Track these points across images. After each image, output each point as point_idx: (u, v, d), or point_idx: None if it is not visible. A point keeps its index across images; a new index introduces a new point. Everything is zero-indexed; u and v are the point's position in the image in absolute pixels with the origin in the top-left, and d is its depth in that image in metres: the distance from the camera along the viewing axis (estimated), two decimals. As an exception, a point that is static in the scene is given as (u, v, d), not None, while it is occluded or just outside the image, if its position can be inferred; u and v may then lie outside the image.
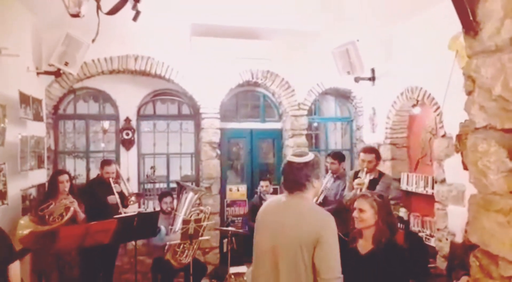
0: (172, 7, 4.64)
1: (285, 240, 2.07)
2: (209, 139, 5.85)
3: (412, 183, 5.21)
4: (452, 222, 4.20)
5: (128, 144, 5.98)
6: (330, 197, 4.64)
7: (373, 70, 5.67)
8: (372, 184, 4.15)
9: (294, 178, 2.19)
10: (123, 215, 4.27)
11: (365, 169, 4.23)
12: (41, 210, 4.00)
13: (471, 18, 1.12)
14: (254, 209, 5.76)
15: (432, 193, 4.64)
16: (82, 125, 6.06)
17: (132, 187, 5.79)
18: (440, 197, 4.39)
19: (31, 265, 4.38)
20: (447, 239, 4.27)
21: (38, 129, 4.73)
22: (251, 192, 6.22)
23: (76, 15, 2.70)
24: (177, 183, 5.20)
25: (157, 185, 6.26)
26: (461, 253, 3.29)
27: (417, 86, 4.74)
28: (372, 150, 4.38)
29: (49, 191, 4.31)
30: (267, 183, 5.71)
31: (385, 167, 5.44)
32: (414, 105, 5.27)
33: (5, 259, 2.90)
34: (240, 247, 5.24)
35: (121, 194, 4.75)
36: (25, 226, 3.76)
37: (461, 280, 3.02)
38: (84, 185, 5.11)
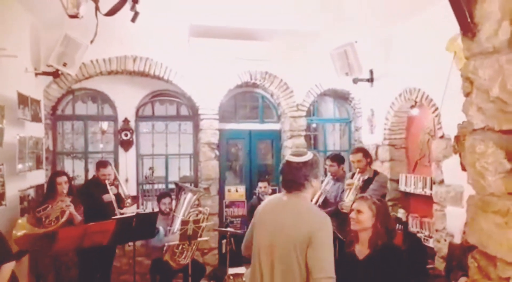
0: (171, 8, 4.64)
1: (281, 239, 2.08)
2: (207, 140, 5.85)
3: (410, 184, 5.21)
4: (451, 223, 4.21)
5: (126, 144, 5.97)
6: (331, 199, 4.64)
7: (371, 72, 5.68)
8: (367, 184, 4.17)
9: (293, 178, 2.19)
10: (121, 215, 4.26)
11: (357, 170, 4.27)
12: (38, 212, 3.99)
13: (468, 19, 1.13)
14: (253, 210, 5.72)
15: (431, 194, 4.64)
16: (81, 126, 6.05)
17: (130, 187, 5.79)
18: (438, 198, 4.39)
19: (29, 267, 4.37)
20: (445, 240, 4.28)
21: (37, 130, 4.72)
22: (249, 192, 6.21)
23: (74, 16, 2.70)
24: (176, 183, 5.20)
25: (155, 186, 6.25)
26: (460, 254, 3.29)
27: (415, 88, 4.75)
28: (358, 150, 4.45)
29: (47, 193, 4.30)
30: (265, 183, 5.70)
31: (383, 167, 5.45)
32: (412, 107, 5.28)
33: (1, 258, 2.87)
34: (239, 248, 5.23)
35: (117, 196, 4.74)
36: (21, 227, 3.75)
37: (460, 281, 3.03)
38: (80, 186, 5.09)
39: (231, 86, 5.91)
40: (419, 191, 5.01)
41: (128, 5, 3.02)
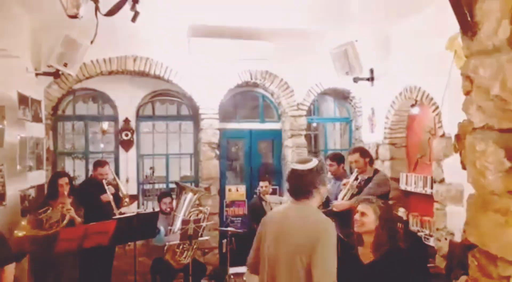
0: (171, 8, 4.63)
1: (286, 247, 2.08)
2: (208, 139, 5.85)
3: (411, 182, 5.21)
4: (451, 221, 4.21)
5: (127, 144, 5.97)
6: (332, 198, 4.63)
7: (371, 71, 5.68)
8: (367, 184, 4.14)
9: (299, 186, 2.18)
10: (122, 215, 4.26)
11: (356, 170, 4.25)
12: (39, 213, 3.97)
13: (468, 18, 1.13)
14: (254, 209, 5.77)
15: (431, 193, 4.64)
16: (81, 126, 6.06)
17: (131, 187, 5.80)
18: (439, 197, 4.39)
19: (28, 268, 4.37)
20: (446, 239, 4.28)
21: (37, 130, 4.72)
22: (250, 192, 6.22)
23: (74, 17, 2.70)
24: (176, 183, 5.21)
25: (156, 186, 6.26)
26: (460, 253, 3.29)
27: (415, 86, 4.74)
28: (355, 150, 4.43)
29: (48, 193, 4.30)
30: (266, 183, 5.69)
31: (384, 166, 5.44)
32: (413, 105, 5.28)
33: (1, 260, 2.88)
34: (240, 248, 5.23)
35: (115, 195, 4.74)
36: (22, 228, 3.76)
37: (460, 280, 3.03)
38: (77, 186, 5.08)
39: (232, 86, 5.91)
40: (419, 189, 5.02)
41: (128, 5, 3.01)
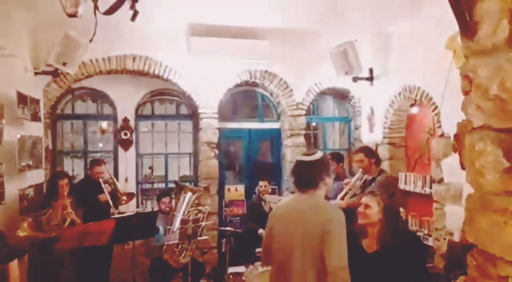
0: (170, 7, 4.63)
1: (298, 237, 2.14)
2: (207, 139, 5.85)
3: (410, 182, 5.21)
4: (450, 221, 4.21)
5: (126, 144, 5.97)
6: (331, 197, 4.63)
7: (371, 70, 5.68)
8: (371, 184, 4.13)
9: (306, 177, 2.24)
10: (120, 215, 4.26)
11: (360, 170, 4.23)
12: (39, 216, 3.96)
13: (467, 18, 1.13)
14: (253, 209, 5.77)
15: (430, 193, 4.64)
16: (80, 125, 6.06)
17: (130, 187, 5.79)
18: (438, 197, 4.39)
19: (27, 265, 4.37)
20: (445, 239, 4.28)
21: (36, 129, 4.72)
22: (249, 191, 6.22)
23: (73, 15, 2.70)
24: (176, 183, 5.21)
25: (155, 185, 6.26)
26: (459, 253, 3.30)
27: (415, 86, 4.74)
28: (360, 150, 4.40)
29: (49, 194, 4.30)
30: (266, 182, 5.70)
31: (383, 166, 5.44)
32: (412, 105, 5.28)
33: (4, 257, 2.91)
34: (239, 247, 5.23)
35: (111, 194, 4.74)
36: (24, 229, 3.76)
37: (459, 280, 3.03)
38: (74, 185, 5.07)
39: (231, 85, 5.91)
40: (418, 189, 5.02)
41: (127, 4, 3.01)
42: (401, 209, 5.24)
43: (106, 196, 4.61)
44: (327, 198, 4.63)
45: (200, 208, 4.65)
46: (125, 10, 3.02)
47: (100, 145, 6.59)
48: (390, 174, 4.52)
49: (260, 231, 4.81)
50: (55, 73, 4.90)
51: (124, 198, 4.93)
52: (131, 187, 5.84)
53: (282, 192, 6.33)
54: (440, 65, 4.01)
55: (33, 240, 3.81)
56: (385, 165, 5.47)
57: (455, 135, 3.97)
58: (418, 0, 4.32)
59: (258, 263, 4.22)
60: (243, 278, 4.31)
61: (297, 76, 6.04)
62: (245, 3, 4.63)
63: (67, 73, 4.94)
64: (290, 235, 2.18)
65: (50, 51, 4.64)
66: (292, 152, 6.09)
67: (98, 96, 6.03)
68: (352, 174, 6.33)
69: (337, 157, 4.85)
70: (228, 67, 5.75)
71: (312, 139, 7.01)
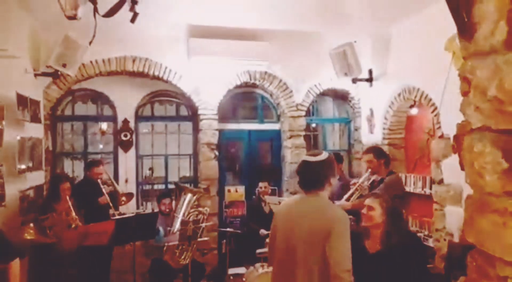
0: (170, 8, 4.64)
1: (303, 238, 2.13)
2: (207, 140, 5.86)
3: (410, 183, 5.21)
4: (450, 222, 4.21)
5: (126, 145, 5.98)
6: (335, 198, 4.61)
7: (370, 71, 5.68)
8: (379, 185, 4.06)
9: (312, 177, 2.23)
10: (121, 216, 4.27)
11: (369, 170, 4.17)
12: (41, 220, 3.96)
13: (466, 20, 1.13)
14: (253, 210, 5.78)
15: (430, 194, 4.65)
16: (80, 126, 6.06)
17: (130, 188, 5.79)
18: (438, 198, 4.40)
19: (28, 267, 4.37)
20: (445, 239, 4.28)
21: (36, 130, 4.72)
22: (249, 193, 6.22)
23: (72, 18, 2.71)
24: (176, 184, 5.21)
25: (155, 186, 6.26)
26: (459, 253, 3.30)
27: (414, 87, 4.75)
28: (370, 150, 4.32)
29: (50, 197, 4.30)
30: (266, 183, 5.71)
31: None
32: (411, 106, 5.29)
33: (5, 255, 2.91)
34: (239, 248, 5.24)
35: (110, 194, 4.75)
36: (30, 233, 3.77)
37: (459, 281, 3.03)
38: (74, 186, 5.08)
39: (231, 87, 5.91)
40: (418, 190, 5.02)
41: (127, 6, 3.02)
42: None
43: (106, 199, 4.61)
44: (331, 198, 4.63)
45: (200, 209, 4.64)
46: (125, 12, 3.04)
47: (100, 146, 6.59)
48: (398, 175, 4.46)
49: (261, 231, 4.81)
50: (55, 75, 4.90)
51: (124, 198, 4.93)
52: (131, 188, 5.84)
53: (282, 192, 6.33)
54: (439, 66, 4.02)
55: (36, 243, 3.82)
56: (385, 166, 5.48)
57: (455, 136, 3.96)
58: (417, 2, 4.33)
59: (258, 264, 4.22)
60: (244, 279, 4.31)
61: (297, 78, 6.04)
62: (245, 5, 4.64)
63: (67, 74, 4.95)
64: (294, 235, 2.18)
65: (50, 52, 4.65)
66: (292, 153, 6.10)
67: (98, 98, 6.03)
68: (352, 175, 6.34)
69: (336, 158, 4.84)
70: (228, 68, 5.76)
71: (312, 141, 7.02)
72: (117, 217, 4.33)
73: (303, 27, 5.28)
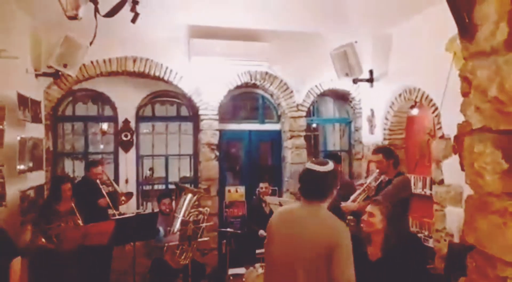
0: (171, 9, 4.65)
1: (304, 252, 2.05)
2: (207, 140, 5.86)
3: (410, 184, 5.21)
4: (450, 223, 4.21)
5: (126, 145, 5.98)
6: (339, 199, 4.59)
7: (371, 72, 5.69)
8: (387, 186, 3.98)
9: (317, 188, 2.15)
10: (121, 216, 4.27)
11: (377, 170, 4.11)
12: (49, 229, 3.91)
13: (466, 21, 1.14)
14: (253, 210, 5.78)
15: (430, 194, 4.65)
16: (81, 127, 6.07)
17: (130, 188, 5.80)
18: (438, 198, 4.39)
19: (28, 267, 4.37)
20: (445, 240, 4.28)
21: (37, 131, 4.72)
22: (249, 193, 6.22)
23: (73, 18, 2.71)
24: (176, 184, 5.21)
25: (155, 187, 6.26)
26: (459, 254, 3.30)
27: (415, 88, 4.75)
28: (379, 150, 4.23)
29: (51, 198, 4.30)
30: (266, 184, 5.71)
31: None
32: (412, 107, 5.29)
33: (7, 253, 2.93)
34: (239, 248, 5.24)
35: (110, 194, 4.75)
36: (39, 239, 3.78)
37: (459, 281, 3.03)
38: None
39: (231, 87, 5.91)
40: (419, 190, 5.02)
41: (128, 6, 3.03)
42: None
43: (106, 200, 4.62)
44: (334, 199, 4.59)
45: (200, 209, 4.64)
46: (126, 12, 3.04)
47: (101, 146, 6.60)
48: (407, 176, 4.42)
49: (261, 232, 4.81)
50: (56, 75, 4.91)
51: (123, 198, 4.94)
52: (132, 188, 5.84)
53: (282, 193, 6.33)
54: (440, 67, 4.02)
55: (41, 249, 3.83)
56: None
57: (455, 137, 4.00)
58: (418, 2, 4.33)
59: (258, 264, 4.22)
60: (243, 279, 4.31)
61: (298, 78, 6.04)
62: (246, 5, 4.65)
63: (68, 75, 4.95)
64: (293, 249, 2.10)
65: (51, 53, 4.66)
66: (292, 153, 6.10)
67: (99, 98, 6.03)
68: (352, 175, 6.35)
69: (334, 158, 4.84)
70: (229, 69, 5.76)
71: (312, 141, 7.02)
72: (117, 217, 4.33)
73: (304, 28, 5.28)
